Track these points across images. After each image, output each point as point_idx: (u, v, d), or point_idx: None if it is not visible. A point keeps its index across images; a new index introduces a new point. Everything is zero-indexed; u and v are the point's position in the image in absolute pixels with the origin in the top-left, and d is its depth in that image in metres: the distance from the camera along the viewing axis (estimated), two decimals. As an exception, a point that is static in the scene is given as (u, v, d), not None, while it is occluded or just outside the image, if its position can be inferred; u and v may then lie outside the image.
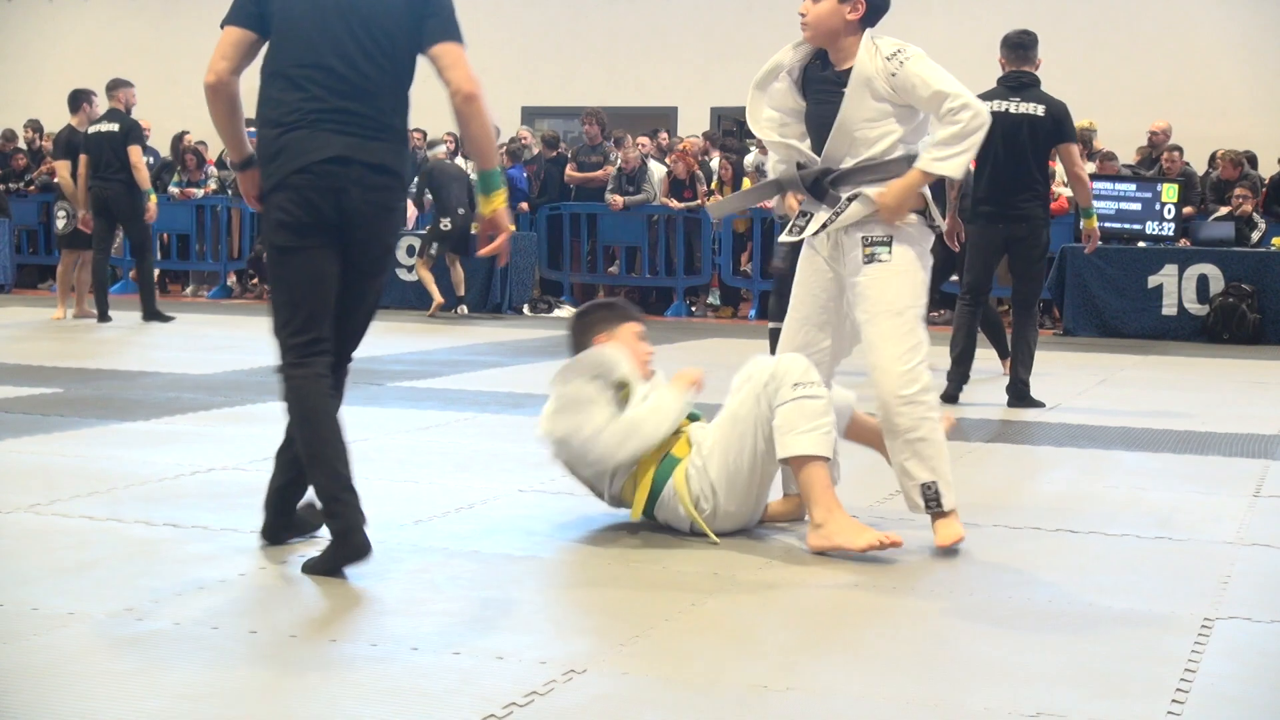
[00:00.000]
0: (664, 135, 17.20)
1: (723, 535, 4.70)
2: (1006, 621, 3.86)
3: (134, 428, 6.76)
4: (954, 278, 9.29)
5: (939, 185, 4.89)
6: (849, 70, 4.64)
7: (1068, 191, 13.59)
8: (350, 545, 4.10)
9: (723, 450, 4.67)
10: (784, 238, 4.99)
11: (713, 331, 13.47)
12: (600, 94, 18.79)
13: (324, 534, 4.30)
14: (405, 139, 4.40)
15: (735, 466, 4.65)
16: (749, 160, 15.91)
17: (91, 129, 12.70)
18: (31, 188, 17.99)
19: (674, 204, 15.28)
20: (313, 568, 4.17)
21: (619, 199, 15.31)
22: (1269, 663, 3.60)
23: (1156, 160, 14.74)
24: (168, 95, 19.87)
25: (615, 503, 4.85)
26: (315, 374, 4.24)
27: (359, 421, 7.01)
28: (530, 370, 9.63)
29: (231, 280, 17.25)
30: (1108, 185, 13.49)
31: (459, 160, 15.17)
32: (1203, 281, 12.94)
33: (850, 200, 4.65)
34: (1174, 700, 3.22)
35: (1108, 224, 13.28)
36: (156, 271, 13.04)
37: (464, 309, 14.60)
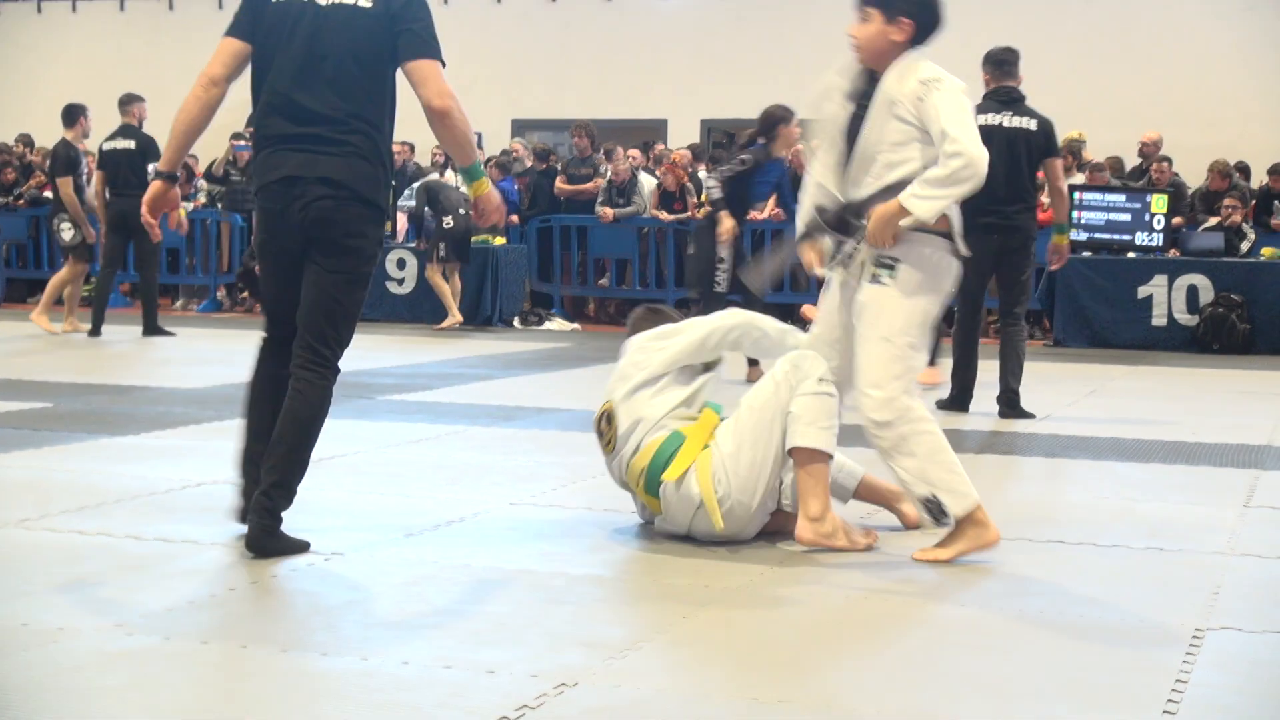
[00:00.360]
0: (659, 146, 17.21)
1: (714, 543, 4.70)
2: (998, 633, 3.87)
3: (125, 442, 6.76)
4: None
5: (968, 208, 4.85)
6: None
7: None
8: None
9: (752, 439, 4.68)
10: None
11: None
12: (590, 107, 18.81)
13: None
14: (368, 153, 4.54)
15: (763, 456, 4.67)
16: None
17: (106, 145, 12.70)
18: (21, 201, 17.96)
19: (664, 216, 15.29)
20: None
21: (609, 211, 15.33)
22: (1260, 673, 3.61)
23: (1145, 171, 14.78)
24: (158, 109, 19.72)
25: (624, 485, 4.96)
26: (269, 373, 4.76)
27: (349, 435, 7.03)
28: (520, 383, 9.62)
29: (221, 294, 17.23)
30: (1097, 196, 13.53)
31: (449, 175, 15.18)
32: (1192, 292, 12.97)
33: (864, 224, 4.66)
34: (1165, 711, 3.22)
35: (1097, 234, 13.31)
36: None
37: (459, 317, 14.58)
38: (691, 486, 4.69)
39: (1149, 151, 15.02)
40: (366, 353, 11.69)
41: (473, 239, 14.54)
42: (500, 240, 15.17)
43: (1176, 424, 7.98)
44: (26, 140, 19.02)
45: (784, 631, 3.86)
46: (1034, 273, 8.73)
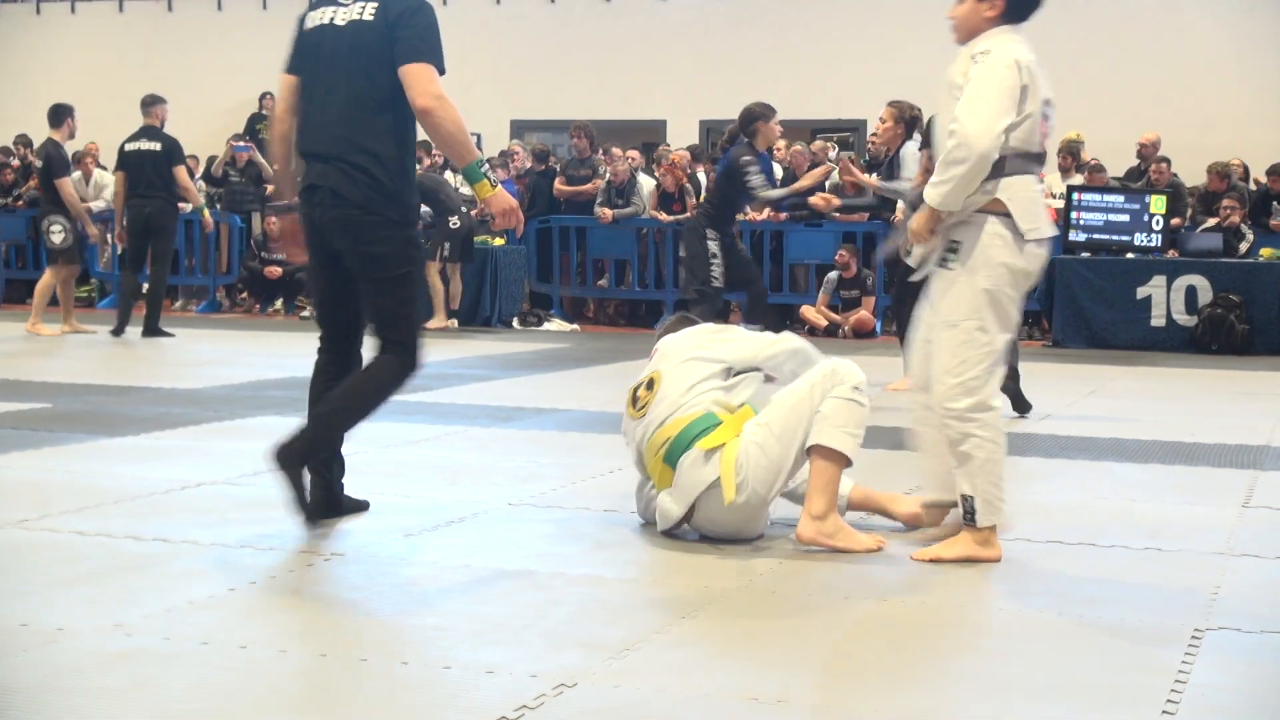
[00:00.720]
0: (663, 147, 17.20)
1: (711, 541, 4.71)
2: (997, 633, 3.88)
3: (124, 443, 6.76)
4: None
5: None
6: None
7: (1056, 204, 13.66)
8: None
9: (779, 434, 4.68)
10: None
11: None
12: (589, 107, 18.81)
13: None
14: (376, 167, 4.75)
15: (784, 453, 4.68)
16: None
17: (129, 146, 12.75)
18: (19, 202, 17.97)
19: (663, 217, 15.29)
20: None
21: (608, 212, 15.33)
22: (1259, 673, 3.61)
23: (1144, 172, 14.79)
24: (158, 109, 19.89)
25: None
26: (319, 365, 5.11)
27: (349, 435, 7.01)
28: (520, 384, 9.62)
29: (220, 295, 17.23)
30: (1095, 197, 13.54)
31: (449, 174, 15.18)
32: (1191, 292, 12.97)
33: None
34: (1164, 712, 3.22)
35: (1096, 235, 13.31)
36: (145, 285, 13.03)
37: (454, 323, 14.59)
38: (714, 463, 4.69)
39: (1147, 153, 15.03)
40: (365, 353, 11.69)
41: (475, 239, 14.55)
42: (500, 241, 15.16)
43: (1175, 424, 7.98)
44: (25, 141, 19.02)
45: (782, 632, 3.86)
46: None
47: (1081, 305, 13.34)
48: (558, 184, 16.05)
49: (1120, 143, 15.93)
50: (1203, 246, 13.47)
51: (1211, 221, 14.02)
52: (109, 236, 17.56)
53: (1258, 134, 16.51)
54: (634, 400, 5.00)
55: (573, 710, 3.17)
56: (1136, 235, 13.27)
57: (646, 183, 15.64)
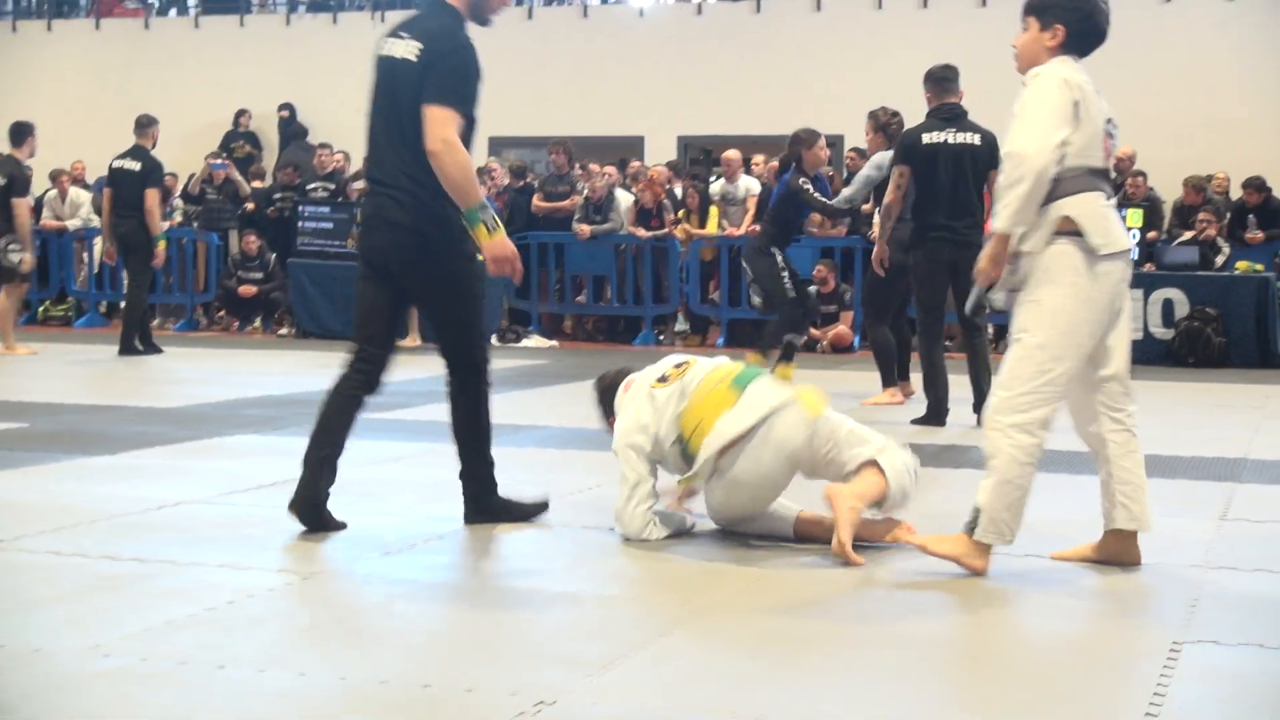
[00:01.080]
0: (636, 163, 17.23)
1: (694, 558, 4.71)
2: (977, 647, 3.90)
3: (101, 462, 6.74)
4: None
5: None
6: None
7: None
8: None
9: (847, 436, 4.94)
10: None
11: (681, 360, 13.48)
12: (567, 124, 18.83)
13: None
14: (420, 194, 5.01)
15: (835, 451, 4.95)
16: (715, 189, 15.97)
17: (116, 163, 12.81)
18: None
19: (641, 233, 15.31)
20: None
21: (586, 228, 15.34)
22: (1238, 686, 3.62)
23: (1120, 186, 14.86)
24: (131, 126, 19.83)
25: None
26: (344, 378, 5.27)
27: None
28: (498, 400, 9.56)
29: (198, 313, 17.20)
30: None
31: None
32: (1168, 305, 13.03)
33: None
34: (1143, 724, 3.23)
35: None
36: (122, 303, 13.05)
37: (418, 339, 14.50)
38: (791, 387, 4.94)
39: (1124, 166, 15.10)
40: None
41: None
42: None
43: (1153, 437, 7.92)
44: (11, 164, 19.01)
45: (762, 647, 3.87)
46: None
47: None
48: (536, 200, 16.06)
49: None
50: (1179, 260, 13.53)
51: (1188, 235, 14.09)
52: (85, 255, 17.56)
53: (1234, 148, 16.60)
54: (663, 378, 5.14)
55: (553, 728, 3.16)
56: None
57: (625, 198, 15.65)
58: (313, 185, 17.02)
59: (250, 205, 17.42)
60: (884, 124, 9.58)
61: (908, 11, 19.37)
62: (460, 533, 5.24)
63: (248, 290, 16.33)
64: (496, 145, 19.81)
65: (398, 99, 5.02)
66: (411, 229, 5.06)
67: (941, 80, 8.60)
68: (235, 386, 10.22)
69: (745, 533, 5.17)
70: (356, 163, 18.01)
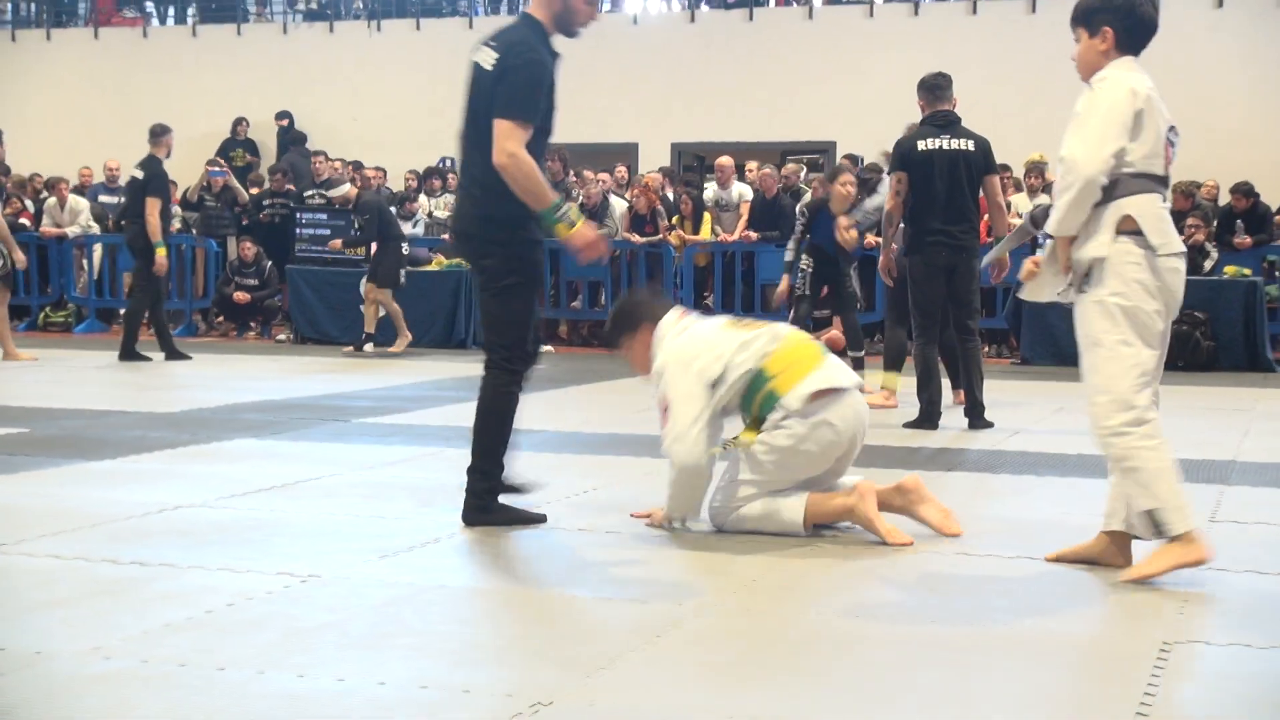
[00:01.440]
0: (620, 169, 17.28)
1: (688, 560, 4.75)
2: (968, 648, 3.91)
3: (100, 466, 6.77)
4: None
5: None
6: None
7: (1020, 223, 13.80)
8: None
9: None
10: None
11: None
12: (563, 131, 18.80)
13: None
14: (484, 195, 5.30)
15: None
16: (708, 195, 16.02)
17: (132, 173, 13.06)
18: (-8, 228, 18.00)
19: (635, 239, 15.34)
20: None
21: (582, 234, 15.36)
22: (1227, 685, 3.65)
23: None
24: (132, 135, 19.78)
25: None
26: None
27: (325, 457, 7.06)
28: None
29: (196, 318, 17.23)
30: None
31: (422, 201, 15.21)
32: (1158, 310, 13.04)
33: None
34: (1133, 724, 3.26)
35: (994, 256, 13.41)
36: (123, 310, 13.10)
37: (370, 347, 14.53)
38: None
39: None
40: (341, 376, 11.72)
41: (423, 267, 14.75)
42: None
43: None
44: (2, 169, 19.05)
45: (757, 648, 3.90)
46: (979, 289, 8.94)
47: (1049, 323, 13.45)
48: (532, 206, 16.08)
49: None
50: (1168, 265, 13.55)
51: (1178, 239, 14.12)
52: (84, 262, 17.62)
53: (1222, 154, 16.66)
54: (731, 323, 5.42)
55: (549, 728, 3.19)
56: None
57: (619, 205, 15.69)
58: (310, 192, 17.08)
59: (243, 213, 17.48)
60: (863, 180, 10.30)
61: (899, 20, 19.45)
62: (457, 536, 5.27)
63: (242, 297, 16.37)
64: (491, 152, 19.87)
65: (475, 105, 5.32)
66: (470, 228, 5.42)
67: (935, 88, 8.67)
68: (234, 391, 10.25)
69: (755, 532, 5.24)
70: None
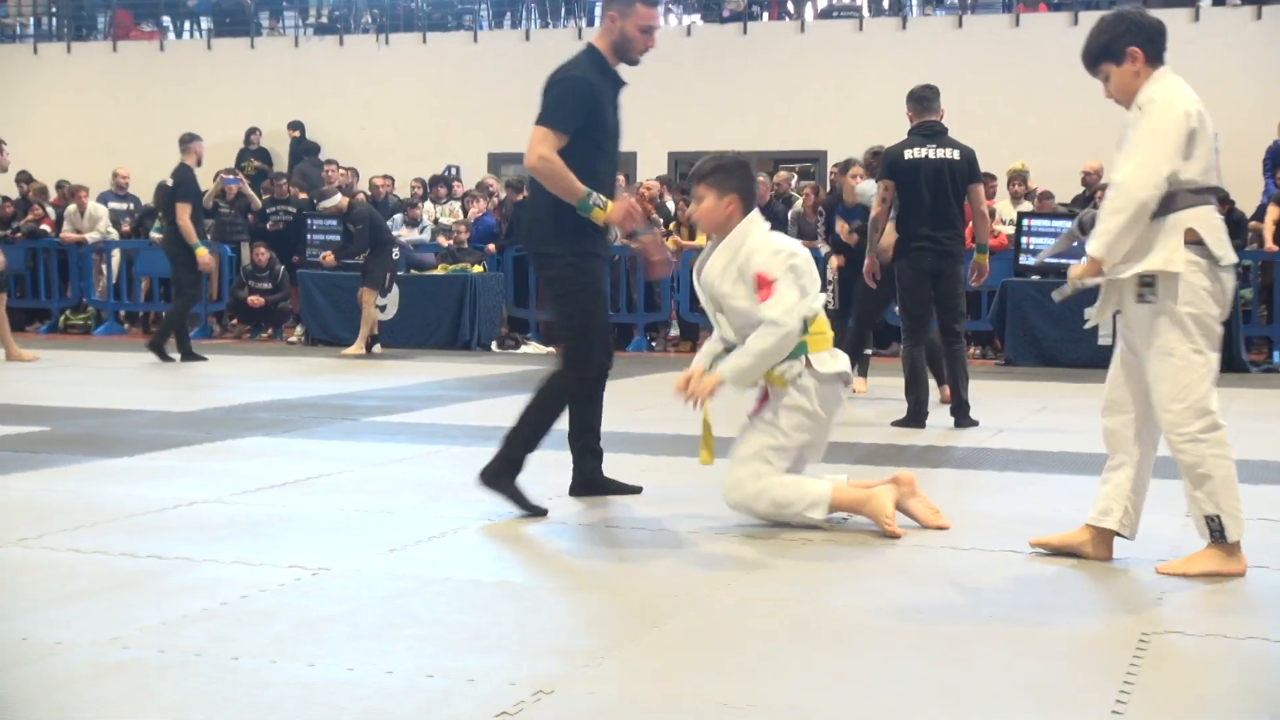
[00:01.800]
0: (620, 178, 17.40)
1: (694, 552, 4.85)
2: (954, 639, 3.96)
3: (119, 464, 6.85)
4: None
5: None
6: None
7: (1007, 229, 14.00)
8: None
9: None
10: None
11: (673, 365, 13.55)
12: (563, 141, 18.98)
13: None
14: (536, 208, 5.75)
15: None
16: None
17: (163, 181, 13.35)
18: (18, 234, 18.19)
19: (633, 245, 15.41)
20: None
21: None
22: (1203, 674, 3.74)
23: (1090, 198, 15.03)
24: (147, 143, 20.01)
25: None
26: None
27: (335, 454, 7.15)
28: (498, 404, 9.71)
29: (211, 321, 17.36)
30: (1044, 222, 13.82)
31: (427, 206, 15.31)
32: (1136, 313, 13.12)
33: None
34: (1114, 711, 3.32)
35: (1046, 259, 13.51)
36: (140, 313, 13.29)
37: (379, 347, 14.67)
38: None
39: (1091, 180, 15.32)
40: (351, 376, 11.82)
41: (429, 270, 14.90)
42: (479, 269, 15.44)
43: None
44: (26, 177, 19.30)
45: (751, 638, 3.95)
46: (964, 292, 9.06)
47: (1032, 325, 13.56)
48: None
49: (1065, 170, 16.16)
50: (1149, 268, 13.63)
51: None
52: (103, 267, 17.81)
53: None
54: None
55: (550, 715, 3.26)
56: (1084, 258, 13.42)
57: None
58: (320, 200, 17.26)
59: (250, 218, 17.66)
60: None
61: (888, 33, 19.59)
62: (462, 531, 5.34)
63: (256, 300, 16.55)
64: (495, 161, 20.02)
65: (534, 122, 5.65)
66: (529, 240, 5.88)
67: (922, 99, 8.83)
68: (247, 391, 10.33)
69: (781, 522, 5.42)
70: (364, 178, 18.26)
